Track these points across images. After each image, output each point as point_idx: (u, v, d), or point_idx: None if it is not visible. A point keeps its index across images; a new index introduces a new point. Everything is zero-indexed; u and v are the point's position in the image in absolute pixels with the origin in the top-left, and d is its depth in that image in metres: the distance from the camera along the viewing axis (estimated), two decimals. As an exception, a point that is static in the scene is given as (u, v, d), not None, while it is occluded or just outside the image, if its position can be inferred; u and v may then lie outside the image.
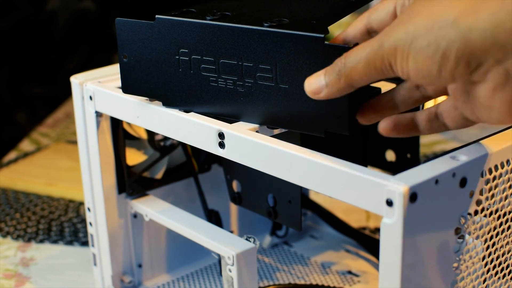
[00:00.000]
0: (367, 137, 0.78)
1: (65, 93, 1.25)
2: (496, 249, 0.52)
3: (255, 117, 0.56)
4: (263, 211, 0.69)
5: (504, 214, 0.52)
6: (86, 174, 0.72)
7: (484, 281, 0.52)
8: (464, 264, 0.50)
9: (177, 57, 0.58)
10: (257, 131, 0.56)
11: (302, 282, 0.77)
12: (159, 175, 0.76)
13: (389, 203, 0.45)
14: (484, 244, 0.51)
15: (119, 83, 0.69)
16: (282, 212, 0.67)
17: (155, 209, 0.71)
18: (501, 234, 0.52)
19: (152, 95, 0.61)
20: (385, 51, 0.44)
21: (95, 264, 0.75)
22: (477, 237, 0.51)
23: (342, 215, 0.89)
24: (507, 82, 0.42)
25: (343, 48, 0.49)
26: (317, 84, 0.49)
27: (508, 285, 0.55)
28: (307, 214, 0.90)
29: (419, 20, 0.43)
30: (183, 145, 0.76)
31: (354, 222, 0.90)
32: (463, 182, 0.48)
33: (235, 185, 0.72)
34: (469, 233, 0.50)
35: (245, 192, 0.71)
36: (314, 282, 0.77)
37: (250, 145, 0.54)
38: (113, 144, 0.70)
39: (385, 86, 0.66)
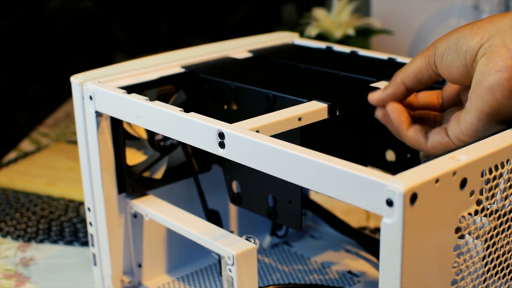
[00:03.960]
0: (367, 137, 0.78)
1: (65, 93, 1.25)
2: (496, 249, 0.52)
3: None
4: (263, 211, 0.69)
5: (504, 214, 0.52)
6: (86, 174, 0.72)
7: (484, 281, 0.52)
8: (464, 264, 0.50)
9: None
10: (257, 131, 0.56)
11: (302, 282, 0.77)
12: (159, 175, 0.76)
13: (389, 203, 0.45)
14: (484, 244, 0.51)
15: (119, 83, 0.69)
16: (282, 212, 0.67)
17: (155, 209, 0.71)
18: (501, 234, 0.52)
19: None
20: (430, 53, 0.57)
21: (95, 264, 0.75)
22: (477, 237, 0.51)
23: (342, 215, 0.89)
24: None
25: None
26: (377, 93, 0.61)
27: (508, 285, 0.55)
28: (307, 214, 0.90)
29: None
30: (183, 145, 0.76)
31: (354, 222, 0.90)
32: (463, 182, 0.48)
33: (234, 185, 0.72)
34: (469, 233, 0.50)
35: (245, 193, 0.71)
36: (314, 282, 0.77)
37: (250, 145, 0.54)
38: (113, 144, 0.70)
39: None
